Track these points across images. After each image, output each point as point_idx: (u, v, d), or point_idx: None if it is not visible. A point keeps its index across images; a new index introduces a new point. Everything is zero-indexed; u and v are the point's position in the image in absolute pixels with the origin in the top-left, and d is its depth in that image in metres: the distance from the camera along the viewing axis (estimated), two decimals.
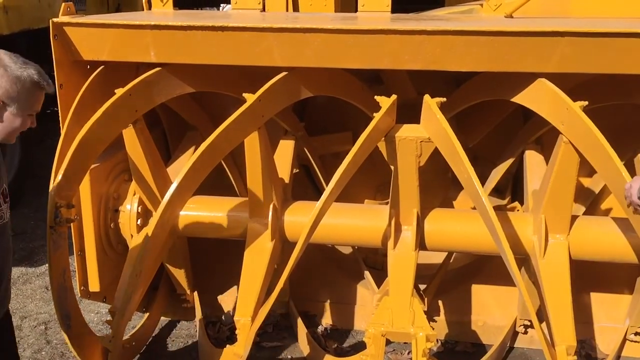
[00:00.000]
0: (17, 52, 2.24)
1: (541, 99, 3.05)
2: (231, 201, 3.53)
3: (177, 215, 3.40)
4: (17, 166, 5.63)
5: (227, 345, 3.28)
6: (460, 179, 2.94)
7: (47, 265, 2.87)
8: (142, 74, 3.16)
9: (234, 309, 3.60)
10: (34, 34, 5.91)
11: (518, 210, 3.67)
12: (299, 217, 3.35)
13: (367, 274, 3.92)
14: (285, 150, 3.70)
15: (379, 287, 3.72)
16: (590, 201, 3.69)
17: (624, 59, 2.88)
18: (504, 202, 3.86)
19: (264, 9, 3.96)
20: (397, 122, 3.14)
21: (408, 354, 3.66)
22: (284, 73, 3.15)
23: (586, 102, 2.87)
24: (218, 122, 3.07)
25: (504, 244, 2.72)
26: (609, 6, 3.72)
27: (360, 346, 3.67)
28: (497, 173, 3.76)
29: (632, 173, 2.96)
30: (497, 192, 3.86)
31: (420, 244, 3.29)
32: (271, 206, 3.33)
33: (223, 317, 3.98)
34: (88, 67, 3.28)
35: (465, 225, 3.32)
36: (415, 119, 3.17)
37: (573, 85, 3.17)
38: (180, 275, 3.75)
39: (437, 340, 3.68)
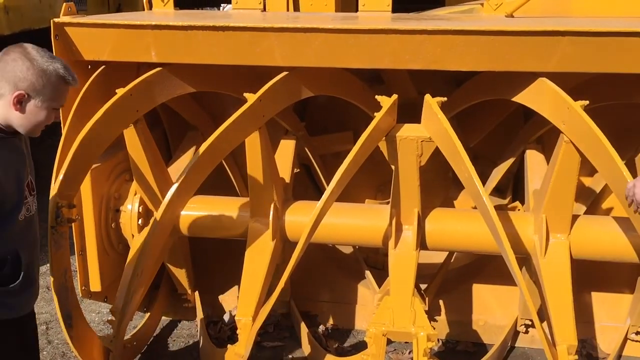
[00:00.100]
0: None
1: (542, 98, 3.05)
2: (232, 201, 3.53)
3: (178, 215, 3.41)
4: None
5: (228, 345, 3.27)
6: (461, 179, 2.94)
7: (48, 265, 2.86)
8: (143, 74, 3.16)
9: (235, 308, 3.60)
10: (35, 34, 5.91)
11: (519, 210, 3.66)
12: (299, 217, 3.34)
13: (368, 273, 3.92)
14: (286, 150, 3.70)
15: (379, 286, 3.72)
16: (591, 201, 3.69)
17: (625, 59, 2.88)
18: (505, 201, 3.86)
19: (264, 9, 3.96)
20: (398, 122, 3.14)
21: (409, 353, 3.66)
22: (284, 73, 3.15)
23: (587, 102, 2.86)
24: (219, 122, 3.07)
25: (505, 243, 2.71)
26: (610, 5, 3.72)
27: (361, 346, 3.67)
28: (498, 172, 3.76)
29: (633, 172, 2.95)
30: (498, 191, 3.85)
31: (421, 244, 3.28)
32: (272, 206, 3.33)
33: (224, 317, 3.98)
34: (89, 67, 3.28)
35: (466, 225, 3.32)
36: (416, 119, 3.17)
37: (574, 84, 3.17)
38: (181, 275, 3.75)
39: (438, 340, 3.67)
